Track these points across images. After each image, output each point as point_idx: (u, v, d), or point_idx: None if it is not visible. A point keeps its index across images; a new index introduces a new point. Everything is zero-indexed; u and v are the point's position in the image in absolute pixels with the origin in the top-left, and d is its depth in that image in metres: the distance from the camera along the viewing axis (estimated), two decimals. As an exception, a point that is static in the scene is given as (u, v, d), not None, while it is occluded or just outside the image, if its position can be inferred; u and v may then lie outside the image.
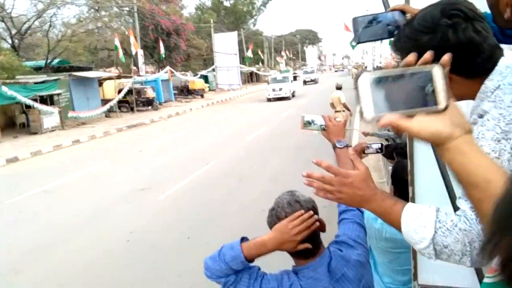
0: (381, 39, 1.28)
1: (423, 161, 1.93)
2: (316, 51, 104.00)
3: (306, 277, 1.35)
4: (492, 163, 0.64)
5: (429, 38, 0.89)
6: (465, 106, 1.04)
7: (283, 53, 66.06)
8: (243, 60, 42.57)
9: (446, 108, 0.63)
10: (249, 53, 41.47)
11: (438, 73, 0.62)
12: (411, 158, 2.08)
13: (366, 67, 34.60)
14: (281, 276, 1.37)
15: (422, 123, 0.63)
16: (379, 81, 0.63)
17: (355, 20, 1.25)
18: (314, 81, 44.84)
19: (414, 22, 0.94)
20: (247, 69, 42.64)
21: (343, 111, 10.37)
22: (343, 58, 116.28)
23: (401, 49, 0.97)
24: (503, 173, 0.63)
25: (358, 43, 1.29)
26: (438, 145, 0.65)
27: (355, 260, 1.40)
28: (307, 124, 1.75)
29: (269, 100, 27.03)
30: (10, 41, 27.27)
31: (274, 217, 1.37)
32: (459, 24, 0.88)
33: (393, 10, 1.25)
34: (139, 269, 4.91)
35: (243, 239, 1.37)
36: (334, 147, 1.65)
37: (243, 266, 1.34)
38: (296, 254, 1.38)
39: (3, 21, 26.78)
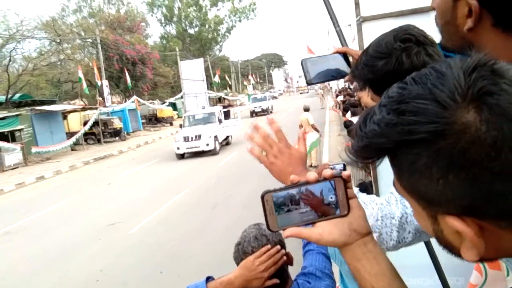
0: (329, 80, 1.32)
1: (387, 183, 1.97)
2: (283, 73, 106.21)
3: None
4: (384, 268, 0.64)
5: (384, 62, 0.91)
6: None
7: (250, 77, 66.95)
8: (211, 85, 42.78)
9: (347, 214, 0.66)
10: (217, 79, 41.75)
11: (339, 185, 0.66)
12: (375, 181, 2.12)
13: (331, 87, 35.55)
14: None
15: (321, 232, 0.65)
16: (282, 197, 0.67)
17: (303, 62, 1.28)
18: (266, 112, 33.30)
19: (369, 49, 0.96)
20: (215, 94, 42.78)
21: (312, 132, 10.51)
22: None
23: (359, 76, 0.99)
24: (392, 278, 0.64)
25: (309, 84, 1.32)
26: (339, 249, 0.67)
27: None
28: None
29: (181, 156, 15.49)
30: (-33, 77, 26.31)
31: (241, 252, 1.34)
32: (411, 48, 0.91)
33: (336, 52, 1.29)
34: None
35: (209, 279, 1.32)
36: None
37: None
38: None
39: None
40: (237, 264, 1.35)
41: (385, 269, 0.64)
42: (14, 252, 7.08)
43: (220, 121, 16.68)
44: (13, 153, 16.90)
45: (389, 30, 0.97)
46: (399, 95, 0.47)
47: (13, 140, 17.45)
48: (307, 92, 71.30)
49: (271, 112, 33.90)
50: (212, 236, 6.60)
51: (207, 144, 14.91)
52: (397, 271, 0.66)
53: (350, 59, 1.30)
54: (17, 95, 26.77)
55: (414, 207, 0.53)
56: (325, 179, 0.67)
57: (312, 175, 0.67)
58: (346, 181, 0.67)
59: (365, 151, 0.51)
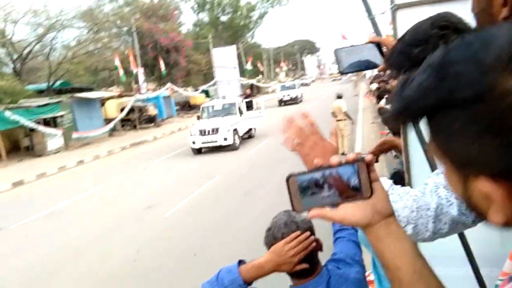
0: (362, 70, 1.34)
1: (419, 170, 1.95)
2: (315, 60, 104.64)
3: None
4: (407, 247, 0.66)
5: (421, 49, 0.90)
6: None
7: (282, 64, 66.45)
8: (242, 73, 42.87)
9: (370, 196, 0.68)
10: (249, 66, 41.78)
11: (362, 168, 0.68)
12: (408, 170, 2.11)
13: (365, 74, 34.74)
14: None
15: (344, 213, 0.68)
16: (307, 180, 0.69)
17: (336, 52, 1.29)
18: (294, 101, 32.41)
19: (405, 37, 0.95)
20: (247, 81, 42.86)
21: (344, 119, 10.39)
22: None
23: (394, 64, 0.99)
24: (414, 257, 0.65)
25: (341, 73, 1.33)
26: (362, 229, 0.70)
27: (354, 278, 1.41)
28: None
29: (198, 151, 14.43)
30: (12, 66, 27.64)
31: (271, 238, 1.38)
32: (449, 35, 0.89)
33: (370, 42, 1.28)
34: (146, 286, 4.91)
35: (241, 262, 1.38)
36: None
37: None
38: (295, 274, 1.39)
39: (4, 46, 27.19)
40: (268, 248, 1.40)
41: (408, 249, 0.66)
42: (57, 232, 7.50)
43: (241, 112, 15.27)
44: (55, 138, 17.73)
45: (427, 18, 0.96)
46: (441, 59, 0.48)
47: (55, 125, 18.28)
48: (340, 79, 70.00)
49: (300, 101, 32.84)
50: (244, 222, 6.73)
51: (225, 139, 13.52)
52: (420, 252, 0.68)
53: (384, 49, 1.28)
54: (58, 83, 27.88)
55: (447, 168, 0.54)
56: (348, 162, 0.69)
57: (335, 159, 0.69)
58: (369, 165, 0.69)
59: (404, 113, 0.53)
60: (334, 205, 0.69)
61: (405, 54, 0.93)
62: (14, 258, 6.48)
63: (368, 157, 0.69)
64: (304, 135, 0.96)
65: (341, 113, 10.36)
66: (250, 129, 16.06)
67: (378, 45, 1.27)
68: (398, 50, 0.96)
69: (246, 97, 17.33)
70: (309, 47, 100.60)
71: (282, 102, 32.40)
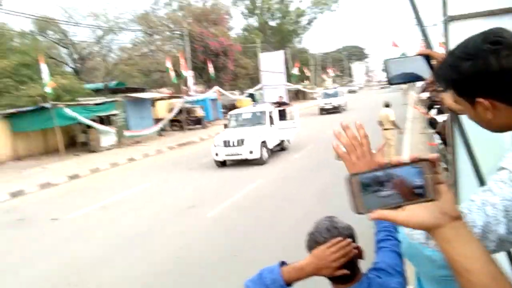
0: (409, 82, 1.35)
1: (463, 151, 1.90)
2: (364, 67, 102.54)
3: None
4: (477, 251, 0.66)
5: (471, 64, 0.89)
6: (509, 136, 1.05)
7: (329, 70, 65.75)
8: (289, 78, 42.90)
9: (435, 198, 0.67)
10: (295, 71, 41.72)
11: (427, 169, 0.67)
12: (454, 184, 2.09)
13: (414, 84, 33.56)
14: None
15: (409, 214, 0.68)
16: (369, 180, 0.69)
17: (386, 62, 1.31)
18: (337, 110, 29.88)
19: (455, 50, 0.95)
20: (293, 86, 42.85)
21: (392, 128, 10.16)
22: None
23: (442, 77, 0.98)
24: (486, 261, 0.65)
25: (390, 84, 1.35)
26: (428, 231, 0.69)
27: None
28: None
29: (222, 164, 13.31)
30: (72, 65, 29.48)
31: (313, 241, 1.42)
32: (501, 50, 0.88)
33: (419, 54, 1.29)
34: (187, 284, 5.09)
35: (283, 263, 1.42)
36: None
37: None
38: (334, 279, 1.42)
39: (66, 47, 29.07)
40: (309, 251, 1.43)
41: (480, 252, 0.66)
42: (107, 224, 7.94)
43: (272, 122, 13.67)
44: (109, 136, 18.71)
45: (479, 32, 0.95)
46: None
47: (109, 123, 19.28)
48: (389, 87, 68.05)
49: (344, 109, 30.79)
50: (284, 226, 6.78)
51: (251, 152, 12.15)
52: (491, 256, 0.67)
53: (433, 62, 1.29)
54: (113, 83, 29.36)
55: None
56: (412, 162, 0.67)
57: (398, 158, 0.69)
58: (434, 165, 0.67)
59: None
60: (397, 206, 0.68)
61: (454, 67, 0.93)
62: (68, 247, 6.94)
63: (433, 156, 0.68)
64: (354, 145, 1.02)
65: (388, 122, 10.14)
66: (283, 141, 14.63)
67: (427, 58, 1.28)
68: (448, 63, 0.96)
69: (279, 106, 15.51)
70: (358, 54, 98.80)
71: (323, 111, 30.24)
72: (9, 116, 17.33)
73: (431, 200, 0.67)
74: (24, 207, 10.02)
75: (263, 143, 12.60)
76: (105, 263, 6.01)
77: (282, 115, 15.23)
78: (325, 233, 1.40)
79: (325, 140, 14.30)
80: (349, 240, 1.39)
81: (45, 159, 16.92)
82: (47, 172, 13.99)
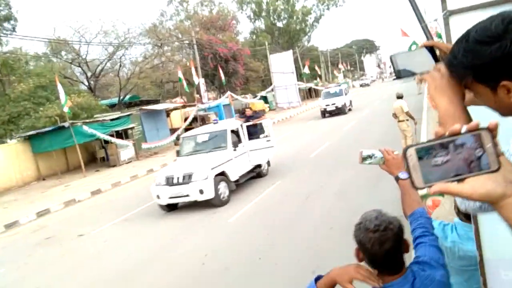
0: (416, 74, 1.32)
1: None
2: (375, 59, 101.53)
3: None
4: None
5: (497, 46, 0.85)
6: None
7: (340, 66, 65.36)
8: (300, 77, 42.84)
9: (498, 169, 0.63)
10: (306, 70, 41.63)
11: (487, 138, 0.63)
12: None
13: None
14: None
15: (473, 186, 0.64)
16: (426, 152, 0.65)
17: (392, 57, 1.31)
18: (341, 111, 25.60)
19: (470, 35, 0.91)
20: (305, 85, 42.78)
21: (407, 120, 10.06)
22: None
23: (460, 65, 0.93)
24: None
25: (398, 78, 1.33)
26: (492, 203, 0.66)
27: (439, 281, 1.44)
28: (366, 158, 1.78)
29: (169, 208, 9.90)
30: (86, 83, 30.15)
31: (363, 230, 1.46)
32: None
33: (424, 46, 1.28)
34: (216, 287, 5.16)
35: (318, 279, 1.58)
36: (397, 179, 1.71)
37: None
38: (381, 271, 1.45)
39: (79, 66, 29.74)
40: (357, 242, 1.49)
41: None
42: (132, 237, 8.09)
43: (236, 144, 10.13)
44: (127, 149, 19.03)
45: (491, 16, 0.91)
46: None
47: (126, 137, 19.61)
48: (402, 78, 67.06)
49: (349, 109, 26.82)
50: (306, 225, 6.80)
51: (201, 191, 8.64)
52: None
53: (438, 52, 1.26)
54: (127, 97, 29.89)
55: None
56: (470, 131, 0.63)
57: (457, 126, 0.65)
58: (493, 134, 0.63)
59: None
60: (459, 179, 0.64)
61: (475, 52, 0.88)
62: (96, 262, 7.11)
63: (493, 123, 0.64)
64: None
65: (402, 113, 10.04)
66: (258, 166, 11.07)
67: (432, 49, 1.26)
68: (463, 50, 0.91)
69: (247, 119, 11.59)
70: (368, 47, 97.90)
71: (325, 113, 25.90)
72: (29, 138, 17.83)
73: (495, 171, 0.62)
74: (51, 225, 10.29)
75: (221, 177, 9.17)
76: (133, 275, 6.13)
77: (254, 132, 11.32)
78: (375, 220, 1.44)
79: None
80: (375, 272, 1.46)
81: (67, 176, 17.33)
82: (71, 189, 14.33)
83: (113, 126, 18.91)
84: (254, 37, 50.52)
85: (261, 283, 5.06)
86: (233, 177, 9.68)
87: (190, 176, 8.89)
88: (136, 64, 32.49)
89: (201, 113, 25.76)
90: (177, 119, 25.90)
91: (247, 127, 11.07)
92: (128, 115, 20.45)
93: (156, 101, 28.75)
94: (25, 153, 17.68)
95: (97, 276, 6.38)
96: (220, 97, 32.51)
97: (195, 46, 30.41)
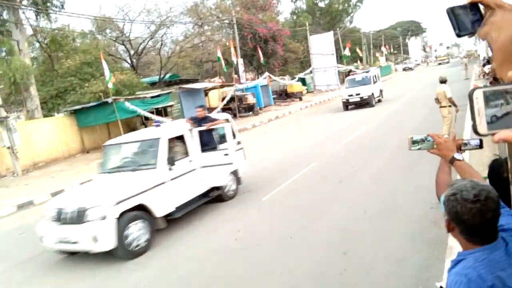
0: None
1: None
2: (420, 42, 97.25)
3: (478, 260, 1.37)
4: None
5: None
6: None
7: (382, 49, 63.20)
8: (340, 59, 41.90)
9: None
10: (347, 52, 40.63)
11: None
12: (511, 156, 2.02)
13: (479, 54, 31.42)
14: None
15: None
16: (494, 96, 0.59)
17: (450, 11, 1.09)
18: (367, 102, 21.61)
19: None
20: (344, 68, 41.82)
21: (449, 106, 9.67)
22: (449, 48, 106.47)
23: None
24: None
25: (458, 36, 1.10)
26: None
27: None
28: (416, 143, 1.77)
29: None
30: (129, 61, 30.98)
31: (460, 201, 1.38)
32: None
33: (470, 3, 1.08)
34: (245, 265, 5.31)
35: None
36: (453, 160, 1.71)
37: None
38: (475, 241, 1.41)
39: (123, 44, 30.54)
40: (450, 214, 1.42)
41: None
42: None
43: (172, 160, 6.96)
44: (166, 126, 19.54)
45: None
46: None
47: (165, 114, 20.11)
48: (448, 62, 64.11)
49: (379, 100, 22.87)
50: (339, 209, 6.80)
51: (95, 238, 5.70)
52: None
53: (482, 10, 1.05)
54: (168, 75, 30.49)
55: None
56: None
57: None
58: None
59: None
60: None
61: None
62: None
63: None
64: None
65: (445, 99, 9.66)
66: (216, 189, 7.97)
67: (476, 6, 1.04)
68: None
69: (199, 123, 7.95)
70: (414, 29, 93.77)
71: (348, 105, 22.07)
72: (75, 112, 18.70)
73: None
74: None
75: (136, 213, 6.16)
76: (168, 245, 6.40)
77: (210, 141, 7.94)
78: (472, 189, 1.38)
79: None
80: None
81: (109, 150, 18.07)
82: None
83: (153, 103, 19.44)
84: (294, 17, 49.67)
85: (292, 261, 5.15)
86: (162, 210, 6.61)
87: (83, 212, 5.82)
88: (176, 43, 32.97)
89: (239, 93, 25.91)
90: (215, 99, 26.23)
91: (201, 134, 7.75)
92: (168, 93, 20.91)
93: (195, 80, 29.16)
94: (71, 126, 18.59)
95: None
96: (258, 77, 32.46)
97: (235, 26, 30.35)
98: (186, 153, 7.49)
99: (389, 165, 8.95)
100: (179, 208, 7.05)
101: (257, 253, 5.58)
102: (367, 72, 24.36)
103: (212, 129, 7.96)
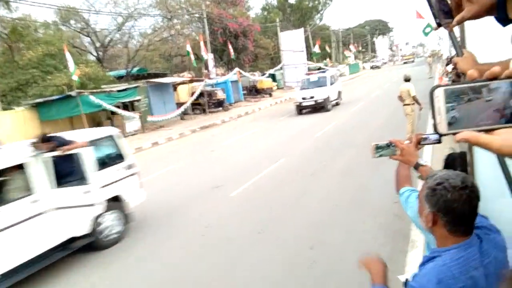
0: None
1: (482, 153, 1.91)
2: (387, 41, 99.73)
3: (454, 258, 1.35)
4: None
5: None
6: None
7: (351, 47, 64.34)
8: (310, 56, 42.31)
9: None
10: (316, 49, 41.04)
11: None
12: (470, 150, 2.07)
13: (442, 54, 32.56)
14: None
15: (505, 139, 0.57)
16: (455, 95, 0.58)
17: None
18: (322, 106, 19.35)
19: None
20: (314, 65, 42.24)
21: (413, 104, 9.95)
22: (414, 47, 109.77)
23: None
24: None
25: (439, 26, 1.04)
26: None
27: (503, 246, 1.42)
28: (379, 149, 1.74)
29: None
30: (95, 53, 30.00)
31: (449, 189, 1.34)
32: None
33: None
34: (214, 259, 5.25)
35: None
36: (417, 166, 1.71)
37: None
38: (456, 232, 1.38)
39: (88, 36, 29.54)
40: (437, 204, 1.36)
41: None
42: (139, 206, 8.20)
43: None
44: (133, 121, 19.10)
45: None
46: None
47: (133, 109, 19.64)
48: (413, 61, 66.08)
49: (337, 103, 20.87)
50: (310, 202, 6.85)
51: None
52: None
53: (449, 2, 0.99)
54: (135, 69, 29.74)
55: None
56: (509, 77, 0.57)
57: (496, 68, 0.58)
58: None
59: None
60: (489, 129, 0.58)
61: None
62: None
63: None
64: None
65: (409, 97, 9.92)
66: (84, 237, 5.87)
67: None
68: None
69: (52, 147, 5.50)
70: (381, 28, 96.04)
71: (301, 109, 19.81)
72: (37, 106, 17.93)
73: None
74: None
75: None
76: (136, 241, 6.25)
77: (73, 171, 5.85)
78: (457, 177, 1.35)
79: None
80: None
81: (74, 146, 17.46)
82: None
83: (119, 97, 18.93)
84: (265, 13, 49.67)
85: (261, 255, 5.14)
86: None
87: None
88: (145, 36, 32.18)
89: (209, 88, 25.66)
90: (184, 94, 25.84)
91: (57, 162, 5.73)
92: (135, 87, 20.42)
93: (164, 75, 28.60)
94: (32, 120, 17.81)
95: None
96: (228, 73, 32.27)
97: (205, 20, 30.00)
98: (27, 190, 5.33)
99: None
100: (21, 268, 5.07)
101: (225, 247, 5.53)
102: (323, 72, 22.25)
103: (71, 155, 5.70)
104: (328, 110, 19.20)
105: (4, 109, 18.73)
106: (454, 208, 1.35)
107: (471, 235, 1.39)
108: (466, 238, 1.38)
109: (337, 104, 21.00)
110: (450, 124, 0.59)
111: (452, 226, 1.39)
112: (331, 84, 20.38)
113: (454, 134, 0.59)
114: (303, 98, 19.66)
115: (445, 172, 1.42)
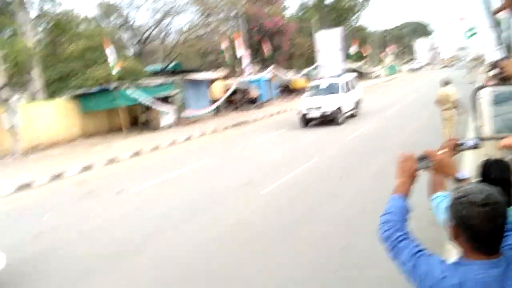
0: None
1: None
2: (428, 43, 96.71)
3: (473, 272, 1.30)
4: None
5: None
6: None
7: (388, 48, 62.89)
8: (346, 57, 41.69)
9: None
10: (353, 49, 40.42)
11: None
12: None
13: (484, 59, 31.27)
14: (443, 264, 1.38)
15: None
16: (503, 97, 0.58)
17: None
18: (331, 119, 15.93)
19: None
20: (349, 66, 41.60)
21: (453, 108, 9.57)
22: (458, 50, 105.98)
23: None
24: None
25: (495, 13, 1.04)
26: None
27: None
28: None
29: None
30: (133, 48, 30.83)
31: (467, 204, 1.31)
32: None
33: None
34: (242, 256, 5.28)
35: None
36: (457, 181, 1.64)
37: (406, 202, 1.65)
38: (478, 251, 1.33)
39: (127, 31, 30.39)
40: (455, 218, 1.34)
41: None
42: (168, 198, 8.37)
43: None
44: (168, 115, 19.52)
45: None
46: None
47: (168, 104, 20.04)
48: (452, 66, 63.70)
49: (352, 115, 17.25)
50: (338, 204, 6.76)
51: None
52: None
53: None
54: (171, 65, 30.33)
55: None
56: None
57: None
58: None
59: None
60: None
61: None
62: (132, 217, 7.44)
63: None
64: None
65: (448, 101, 9.56)
66: None
67: None
68: None
69: None
70: (421, 30, 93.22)
71: (307, 122, 16.52)
72: (78, 97, 18.62)
73: None
74: (93, 181, 10.83)
75: None
76: (166, 233, 6.38)
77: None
78: (480, 194, 1.30)
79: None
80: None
81: (110, 137, 18.05)
82: (113, 149, 14.94)
83: (156, 92, 19.37)
84: (301, 13, 49.36)
85: (288, 252, 5.13)
86: None
87: None
88: (181, 33, 32.75)
89: (242, 86, 25.82)
90: (218, 90, 26.10)
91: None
92: (171, 82, 20.83)
93: (199, 71, 29.01)
94: (72, 110, 18.53)
95: (132, 230, 6.68)
96: (262, 71, 32.30)
97: (241, 18, 30.16)
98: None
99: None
100: None
101: (253, 245, 5.55)
102: (337, 77, 17.97)
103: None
104: (338, 124, 15.83)
105: (47, 99, 19.57)
106: (471, 225, 1.30)
107: (499, 256, 1.31)
108: (491, 257, 1.31)
109: (352, 116, 17.32)
110: (496, 126, 0.54)
111: (472, 242, 1.33)
112: (346, 91, 17.01)
113: (497, 139, 0.55)
114: (309, 108, 16.30)
115: (473, 185, 1.36)
